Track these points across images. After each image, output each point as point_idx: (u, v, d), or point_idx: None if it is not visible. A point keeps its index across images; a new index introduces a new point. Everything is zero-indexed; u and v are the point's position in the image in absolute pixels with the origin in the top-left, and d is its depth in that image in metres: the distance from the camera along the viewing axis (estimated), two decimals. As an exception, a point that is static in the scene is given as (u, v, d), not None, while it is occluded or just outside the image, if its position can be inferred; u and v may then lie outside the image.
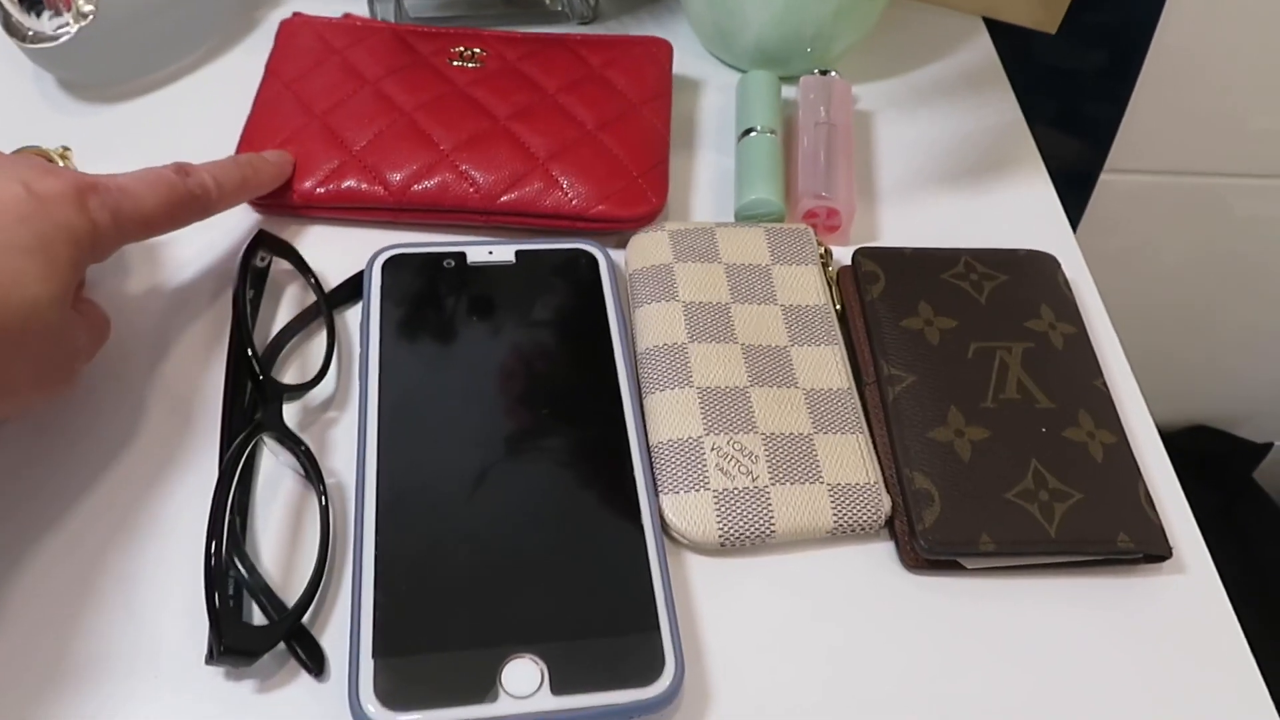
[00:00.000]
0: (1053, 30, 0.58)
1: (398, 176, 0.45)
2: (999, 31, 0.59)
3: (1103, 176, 0.73)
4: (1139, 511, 0.38)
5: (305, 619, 0.34)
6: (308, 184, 0.45)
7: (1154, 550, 0.37)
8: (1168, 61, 0.67)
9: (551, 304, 0.41)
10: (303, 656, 0.33)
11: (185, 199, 0.38)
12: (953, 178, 0.51)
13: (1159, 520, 0.38)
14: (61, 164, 0.43)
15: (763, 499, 0.37)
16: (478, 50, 0.50)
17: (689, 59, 0.54)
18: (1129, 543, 0.37)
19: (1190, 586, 0.38)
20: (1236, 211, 0.78)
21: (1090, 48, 0.67)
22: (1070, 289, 0.45)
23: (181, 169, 0.39)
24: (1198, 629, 0.37)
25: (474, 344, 0.40)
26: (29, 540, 0.35)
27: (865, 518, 0.37)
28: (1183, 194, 0.77)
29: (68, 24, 0.45)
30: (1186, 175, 0.76)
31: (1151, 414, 0.43)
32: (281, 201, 0.45)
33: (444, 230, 0.46)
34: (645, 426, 0.39)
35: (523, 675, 0.32)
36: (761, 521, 0.37)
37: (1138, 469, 0.39)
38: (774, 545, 0.37)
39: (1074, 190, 0.75)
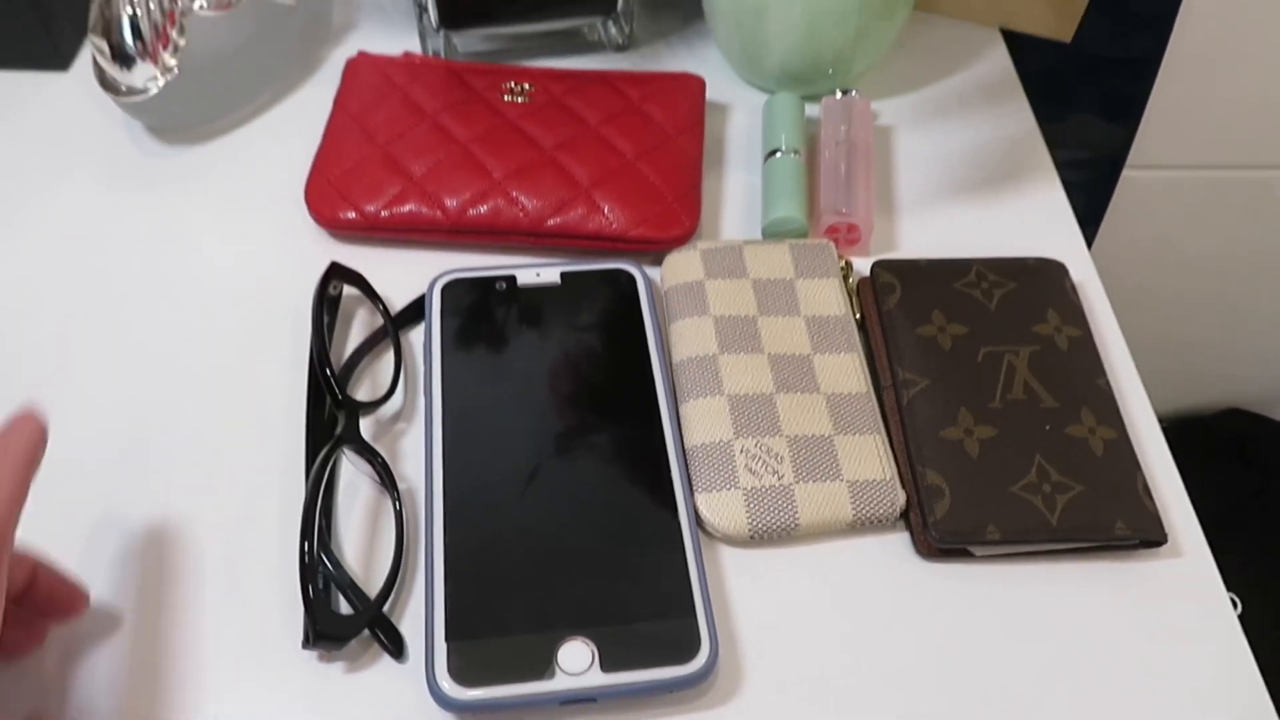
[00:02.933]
0: (1068, 39, 0.61)
1: (454, 202, 0.49)
2: (1016, 40, 0.62)
3: (1126, 172, 0.75)
4: (1136, 501, 0.41)
5: (386, 608, 0.38)
6: (371, 208, 0.49)
7: (1150, 536, 0.40)
8: (1183, 63, 0.69)
9: (594, 320, 0.46)
10: (385, 641, 0.38)
11: None
12: (969, 188, 0.54)
13: (1155, 509, 0.41)
14: None
15: (788, 495, 0.41)
16: (527, 85, 0.54)
17: (719, 81, 0.58)
18: (1126, 530, 0.40)
19: (1186, 569, 0.41)
20: (1266, 202, 0.80)
21: (1109, 48, 0.69)
22: (1077, 294, 0.48)
23: None
24: (1192, 609, 0.40)
25: (525, 358, 0.44)
26: (147, 542, 0.40)
27: (882, 511, 0.41)
28: (1210, 187, 0.79)
29: (156, 77, 0.50)
30: (1212, 169, 0.78)
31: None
32: (347, 224, 0.49)
33: (496, 251, 0.50)
34: (681, 431, 0.43)
35: (576, 655, 0.36)
36: (787, 516, 0.41)
37: (1136, 462, 0.42)
38: (799, 537, 0.41)
39: (1099, 186, 0.77)
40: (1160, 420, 0.47)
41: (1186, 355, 0.93)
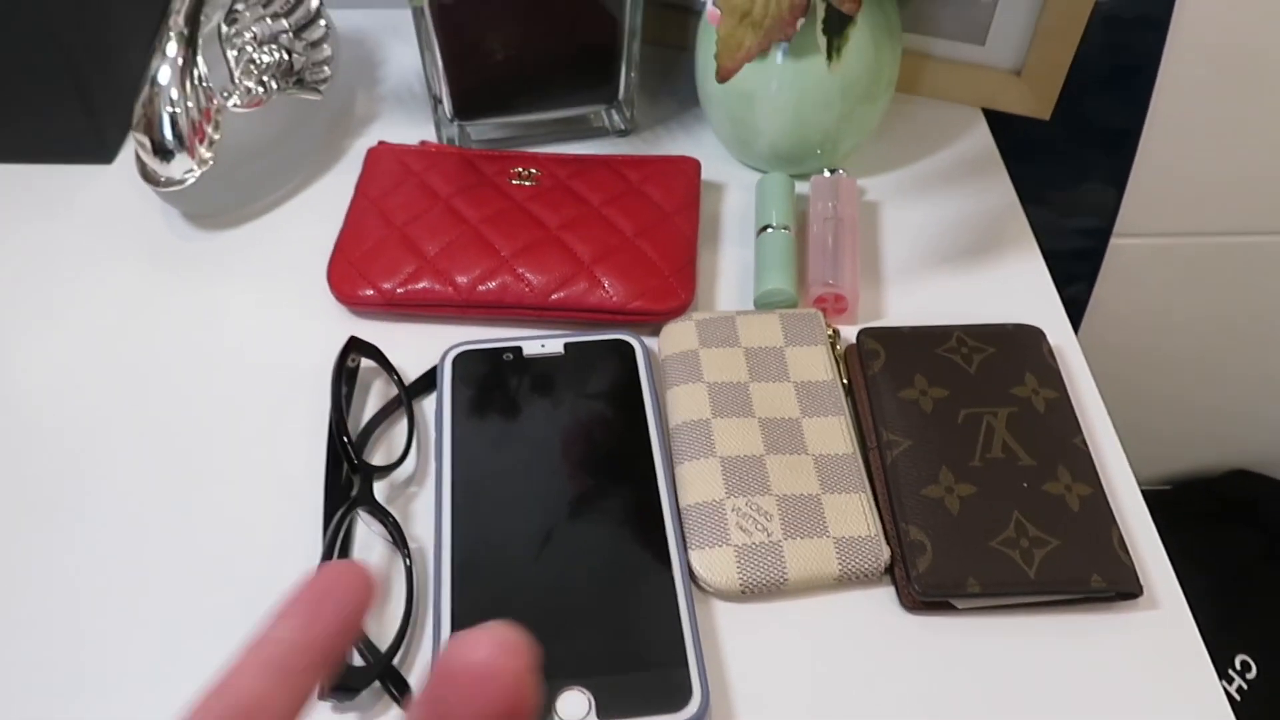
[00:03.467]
0: (1046, 116, 0.64)
1: (465, 279, 0.53)
2: (999, 118, 0.65)
3: (1114, 240, 0.78)
4: (1111, 554, 0.43)
5: (396, 661, 0.41)
6: (388, 285, 0.53)
7: (1125, 589, 0.42)
8: (1164, 132, 0.72)
9: (595, 387, 0.49)
10: (394, 692, 0.40)
11: None
12: (952, 259, 0.57)
13: (1130, 562, 0.43)
14: None
15: (777, 552, 0.43)
16: (534, 170, 0.58)
17: (715, 162, 0.61)
18: (1101, 582, 0.42)
19: (1163, 621, 0.43)
20: (1256, 267, 0.82)
21: (1089, 126, 0.72)
22: (1054, 357, 0.50)
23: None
24: (1169, 659, 0.42)
25: (531, 424, 0.47)
26: (174, 600, 0.43)
27: (867, 566, 0.43)
28: (1199, 252, 0.81)
29: (192, 169, 0.54)
30: (1199, 236, 0.80)
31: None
32: (366, 300, 0.53)
33: (504, 324, 0.54)
34: (676, 491, 0.45)
35: (574, 704, 0.38)
36: (776, 571, 0.43)
37: (1112, 516, 0.44)
38: (788, 591, 0.43)
39: (1090, 254, 0.80)
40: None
41: (1190, 417, 0.95)
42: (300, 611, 0.21)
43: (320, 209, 0.59)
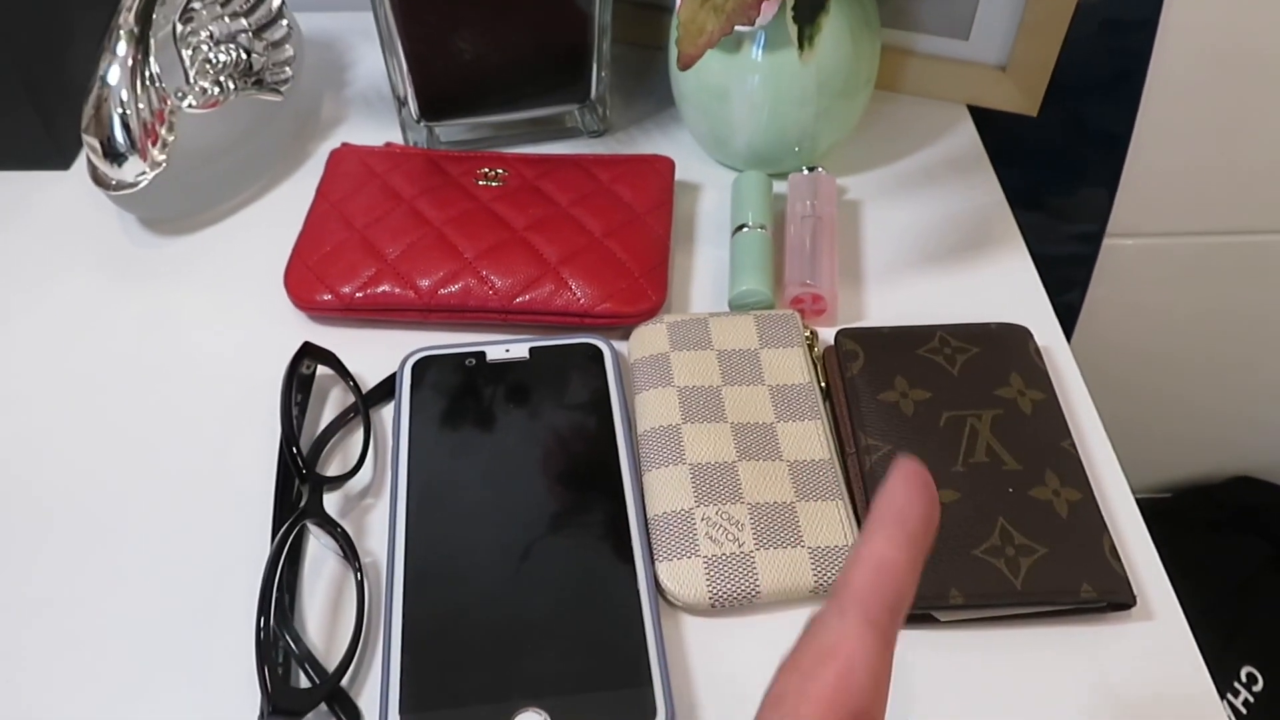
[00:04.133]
0: (1033, 112, 0.62)
1: (426, 282, 0.51)
2: (988, 119, 0.63)
3: (1107, 241, 0.76)
4: (1103, 563, 0.41)
5: (344, 682, 0.38)
6: (347, 289, 0.51)
7: (1117, 599, 0.40)
8: (1153, 134, 0.70)
9: (561, 393, 0.46)
10: (341, 715, 0.38)
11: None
12: (936, 258, 0.55)
13: (1123, 570, 0.41)
14: None
15: (748, 563, 0.41)
16: (501, 170, 0.56)
17: (690, 162, 0.60)
18: (1092, 592, 0.40)
19: (1157, 632, 0.40)
20: (1251, 267, 0.80)
21: (1080, 122, 0.71)
22: (1041, 358, 0.48)
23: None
24: (1166, 673, 0.39)
25: (493, 432, 0.45)
26: (116, 616, 0.41)
27: (844, 577, 0.41)
28: (1192, 252, 0.79)
29: (145, 172, 0.53)
30: (1192, 235, 0.78)
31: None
32: (323, 305, 0.51)
33: (468, 329, 0.52)
34: (644, 501, 0.43)
35: (530, 726, 0.36)
36: (748, 583, 0.40)
37: (1103, 523, 0.42)
38: (761, 605, 0.41)
39: (1082, 256, 0.78)
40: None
41: (1190, 422, 0.92)
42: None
43: (281, 214, 0.57)
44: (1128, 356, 0.87)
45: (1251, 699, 0.83)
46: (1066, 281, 0.80)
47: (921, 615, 0.40)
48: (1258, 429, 0.93)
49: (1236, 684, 0.84)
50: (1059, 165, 0.73)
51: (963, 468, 0.43)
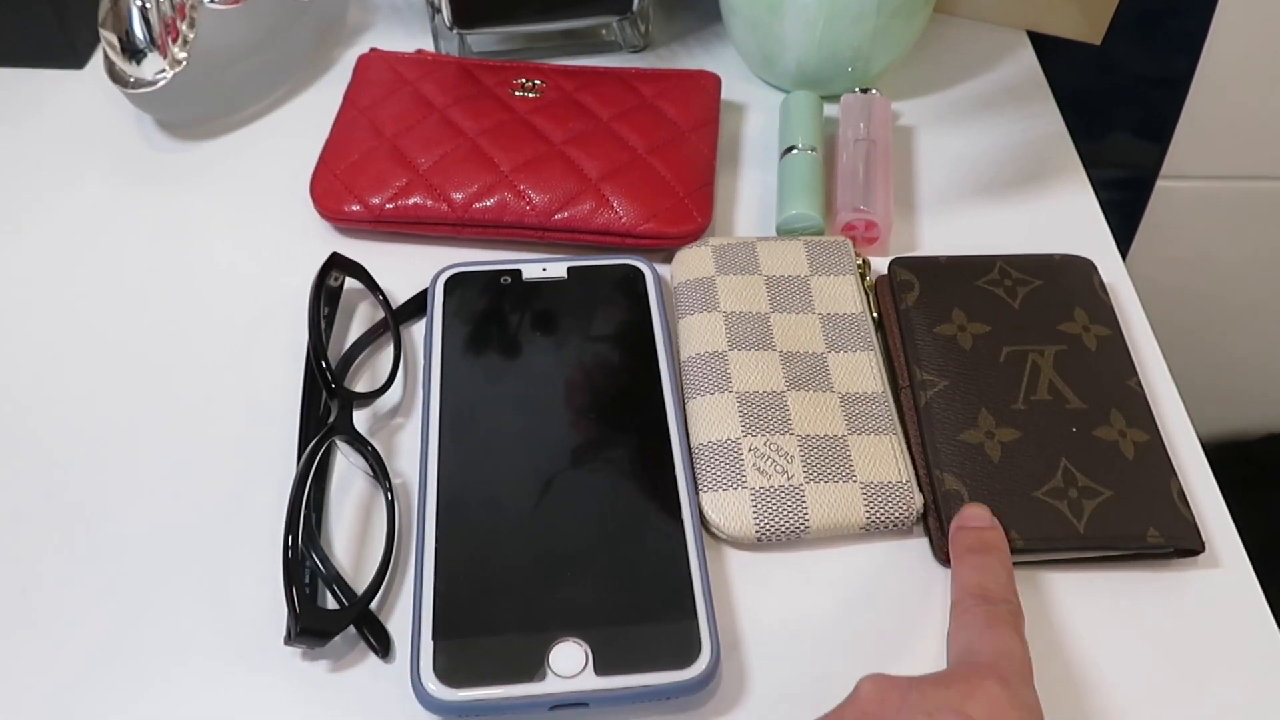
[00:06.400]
0: (1097, 41, 0.59)
1: (460, 195, 0.48)
2: (1047, 54, 0.60)
3: (1160, 183, 0.73)
4: (1170, 507, 0.39)
5: (373, 605, 0.37)
6: (376, 200, 0.48)
7: (1186, 544, 0.38)
8: (1215, 78, 0.67)
9: (601, 316, 0.44)
10: (370, 639, 0.36)
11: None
12: (994, 188, 0.52)
13: (1191, 516, 0.39)
14: None
15: (798, 497, 0.39)
16: (538, 81, 0.53)
17: (736, 82, 0.56)
18: (1159, 537, 0.38)
19: (1224, 581, 0.39)
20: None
21: (1142, 55, 0.67)
22: (1106, 292, 0.46)
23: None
24: (1232, 622, 0.38)
25: (528, 354, 0.43)
26: (134, 533, 0.39)
27: (897, 515, 0.39)
28: (1245, 197, 0.76)
29: (164, 70, 0.50)
30: (1246, 180, 0.75)
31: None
32: (351, 216, 0.48)
33: (502, 246, 0.49)
34: (687, 429, 0.41)
35: (569, 657, 0.34)
36: (796, 518, 0.39)
37: (1171, 466, 0.40)
38: (809, 540, 0.39)
39: (1133, 199, 0.75)
40: (1201, 443, 0.44)
41: (1228, 376, 0.90)
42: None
43: (306, 121, 0.54)
44: (1163, 304, 0.85)
45: None
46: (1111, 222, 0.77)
47: (978, 556, 0.38)
48: (1295, 385, 0.91)
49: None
50: (1116, 101, 0.70)
51: (1024, 405, 0.41)
